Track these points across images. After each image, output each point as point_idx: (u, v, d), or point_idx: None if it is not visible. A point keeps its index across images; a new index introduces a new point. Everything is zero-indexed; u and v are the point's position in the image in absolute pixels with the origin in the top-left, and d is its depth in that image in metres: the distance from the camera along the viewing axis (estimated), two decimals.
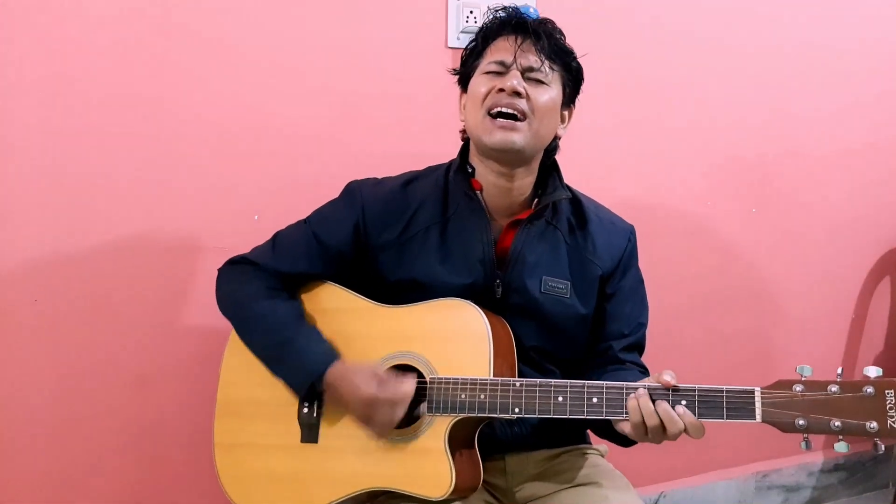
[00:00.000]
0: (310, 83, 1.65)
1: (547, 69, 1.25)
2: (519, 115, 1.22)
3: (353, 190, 1.35)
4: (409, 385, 1.18)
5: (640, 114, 2.00)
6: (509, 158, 1.25)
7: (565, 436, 1.37)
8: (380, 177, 1.38)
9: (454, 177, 1.31)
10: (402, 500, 1.19)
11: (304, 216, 1.38)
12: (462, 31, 1.76)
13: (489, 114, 1.22)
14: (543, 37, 1.25)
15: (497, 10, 1.31)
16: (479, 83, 1.26)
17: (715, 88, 2.08)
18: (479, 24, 1.32)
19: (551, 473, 1.32)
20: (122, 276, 1.54)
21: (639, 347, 1.38)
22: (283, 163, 1.64)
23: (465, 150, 1.34)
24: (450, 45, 1.76)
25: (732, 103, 2.11)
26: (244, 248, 1.39)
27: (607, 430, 1.24)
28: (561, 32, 1.30)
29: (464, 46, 1.35)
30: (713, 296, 2.15)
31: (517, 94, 1.21)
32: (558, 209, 1.33)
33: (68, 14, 1.46)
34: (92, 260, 1.51)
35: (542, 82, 1.25)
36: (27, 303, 1.47)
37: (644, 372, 1.33)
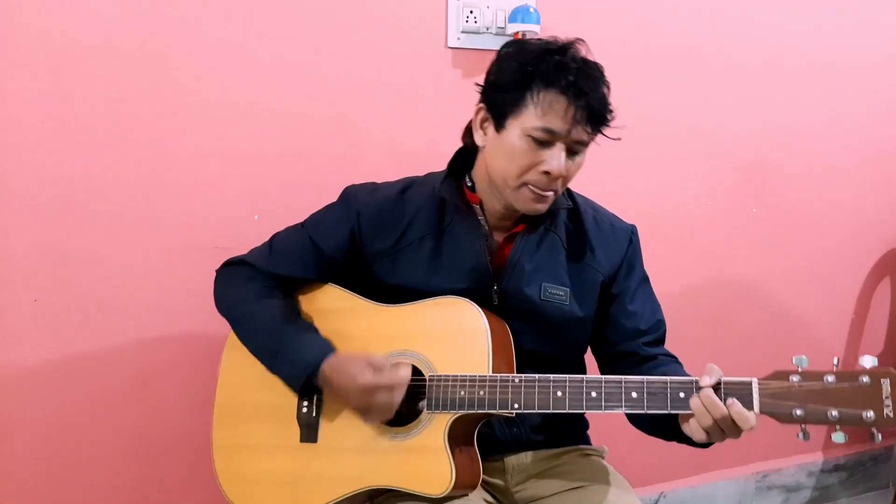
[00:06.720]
0: (309, 83, 1.65)
1: (591, 139, 1.20)
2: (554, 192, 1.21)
3: (350, 196, 1.34)
4: (405, 370, 1.18)
5: (641, 114, 2.00)
6: None
7: (564, 436, 1.37)
8: (379, 180, 1.38)
9: (444, 189, 1.27)
10: (403, 497, 1.19)
11: (304, 216, 1.38)
12: (462, 32, 1.75)
13: (524, 184, 1.19)
14: (600, 111, 1.16)
15: (552, 49, 1.17)
16: (521, 146, 1.17)
17: (717, 88, 2.08)
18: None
19: (552, 474, 1.32)
20: (121, 275, 1.54)
21: (662, 342, 1.36)
22: (283, 163, 1.64)
23: (459, 161, 1.32)
24: (450, 45, 1.75)
25: (734, 103, 2.11)
26: (244, 248, 1.39)
27: (670, 434, 1.19)
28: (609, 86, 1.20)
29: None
30: (713, 296, 2.15)
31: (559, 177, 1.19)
32: (556, 214, 1.32)
33: (67, 13, 1.46)
34: (92, 260, 1.51)
35: (582, 151, 1.21)
36: (27, 303, 1.48)
37: (678, 361, 1.32)
